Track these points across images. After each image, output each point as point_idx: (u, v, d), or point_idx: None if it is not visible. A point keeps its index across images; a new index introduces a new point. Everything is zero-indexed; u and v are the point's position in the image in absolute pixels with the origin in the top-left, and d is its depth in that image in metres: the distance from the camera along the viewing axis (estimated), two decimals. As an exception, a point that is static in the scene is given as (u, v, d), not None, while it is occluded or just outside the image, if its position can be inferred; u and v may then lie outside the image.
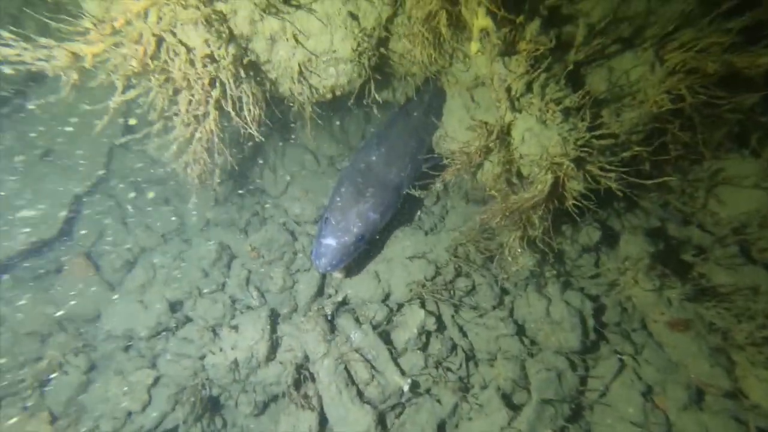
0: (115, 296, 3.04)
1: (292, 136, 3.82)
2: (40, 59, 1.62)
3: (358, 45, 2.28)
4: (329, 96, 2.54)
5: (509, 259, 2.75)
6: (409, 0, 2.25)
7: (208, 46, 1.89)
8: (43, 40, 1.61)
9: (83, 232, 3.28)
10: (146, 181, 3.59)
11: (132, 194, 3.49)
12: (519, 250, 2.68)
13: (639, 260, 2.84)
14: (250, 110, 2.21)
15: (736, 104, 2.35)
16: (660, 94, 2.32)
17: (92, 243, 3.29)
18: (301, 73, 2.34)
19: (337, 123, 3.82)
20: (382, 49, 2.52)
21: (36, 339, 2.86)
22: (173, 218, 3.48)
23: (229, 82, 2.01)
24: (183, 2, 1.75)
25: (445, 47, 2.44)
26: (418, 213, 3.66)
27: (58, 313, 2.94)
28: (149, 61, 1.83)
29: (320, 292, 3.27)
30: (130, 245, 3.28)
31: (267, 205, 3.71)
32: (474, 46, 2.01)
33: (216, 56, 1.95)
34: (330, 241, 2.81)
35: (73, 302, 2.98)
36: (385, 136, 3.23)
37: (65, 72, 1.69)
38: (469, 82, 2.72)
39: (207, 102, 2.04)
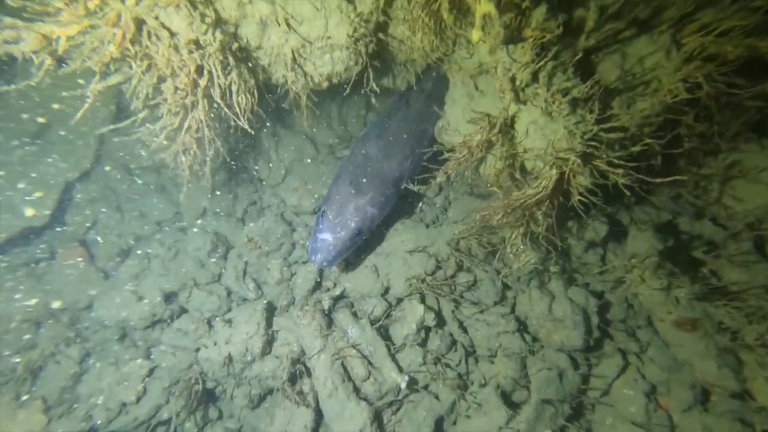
0: (110, 285, 3.00)
1: (289, 124, 3.71)
2: (6, 41, 1.51)
3: (355, 30, 2.15)
4: (325, 84, 2.43)
5: (511, 256, 2.66)
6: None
7: (193, 30, 1.79)
8: (9, 20, 1.51)
9: (77, 219, 3.23)
10: (141, 167, 3.51)
11: (126, 181, 3.42)
12: (521, 247, 2.58)
13: (647, 258, 2.73)
14: (241, 100, 2.11)
15: (757, 92, 2.19)
16: (675, 83, 2.17)
17: (86, 230, 3.24)
18: (294, 60, 2.23)
19: (336, 110, 3.69)
20: (380, 35, 2.38)
21: (29, 327, 2.85)
22: (169, 206, 3.42)
23: (216, 70, 1.91)
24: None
25: (447, 33, 2.30)
26: (420, 204, 3.56)
27: (52, 302, 2.92)
28: (129, 46, 1.72)
29: (318, 285, 3.21)
30: (124, 233, 3.23)
31: (264, 195, 3.64)
32: (475, 35, 1.87)
33: (202, 42, 1.84)
34: (326, 236, 2.74)
35: (66, 290, 2.96)
36: (385, 127, 3.11)
37: (37, 56, 1.60)
38: (473, 69, 2.58)
39: (194, 91, 1.95)
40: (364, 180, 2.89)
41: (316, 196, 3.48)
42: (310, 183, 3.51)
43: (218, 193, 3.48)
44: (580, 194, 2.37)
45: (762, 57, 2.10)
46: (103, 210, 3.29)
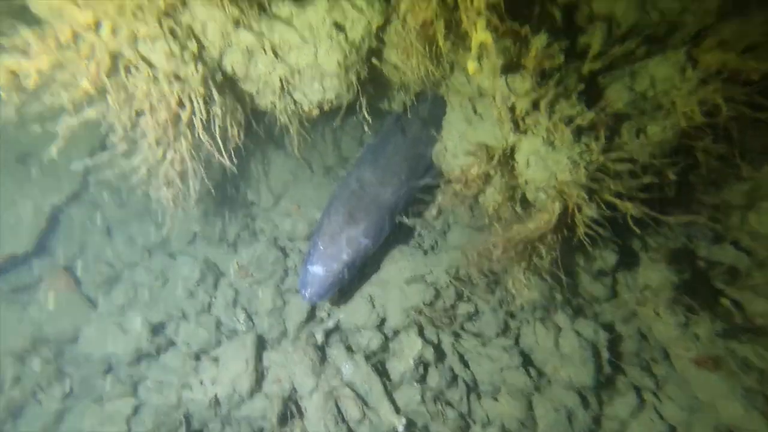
0: (95, 316, 2.90)
1: (282, 144, 3.61)
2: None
3: (345, 58, 2.05)
4: (316, 112, 2.33)
5: (513, 291, 2.50)
6: (403, 5, 2.01)
7: (173, 62, 1.70)
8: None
9: (64, 244, 3.14)
10: (130, 189, 3.42)
11: (115, 203, 3.33)
12: (524, 282, 2.42)
13: (660, 291, 2.53)
14: (226, 131, 2.02)
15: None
16: (691, 106, 2.01)
17: (73, 256, 3.16)
18: (283, 88, 2.13)
19: (331, 133, 3.59)
20: (374, 59, 2.28)
21: (12, 363, 2.75)
22: (158, 231, 3.32)
23: (199, 103, 1.82)
24: (141, 15, 1.55)
25: (444, 59, 2.19)
26: (418, 228, 3.42)
27: (35, 333, 2.82)
28: (105, 80, 1.64)
29: (311, 315, 3.08)
30: (112, 260, 3.14)
31: (257, 219, 3.53)
32: (471, 65, 1.75)
33: (182, 75, 1.75)
34: (317, 269, 2.62)
35: (51, 321, 2.86)
36: (381, 151, 3.00)
37: (5, 92, 1.51)
38: (471, 92, 2.47)
39: (176, 124, 1.86)
40: (358, 209, 2.77)
41: (310, 220, 3.37)
42: (304, 207, 3.40)
43: (209, 217, 3.38)
44: (587, 226, 2.22)
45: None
46: (91, 235, 3.21)
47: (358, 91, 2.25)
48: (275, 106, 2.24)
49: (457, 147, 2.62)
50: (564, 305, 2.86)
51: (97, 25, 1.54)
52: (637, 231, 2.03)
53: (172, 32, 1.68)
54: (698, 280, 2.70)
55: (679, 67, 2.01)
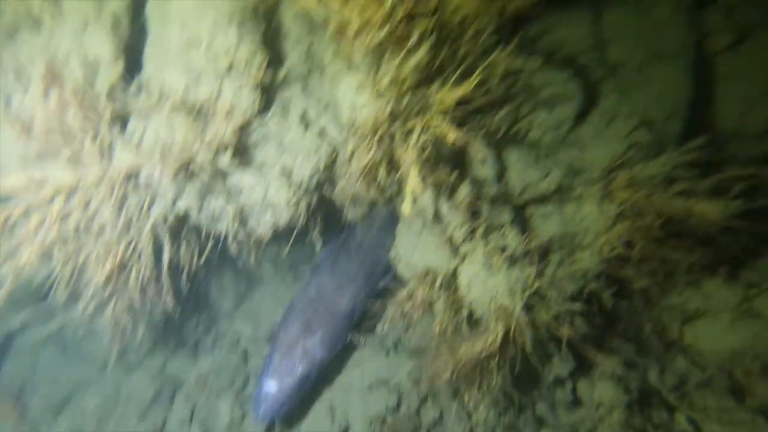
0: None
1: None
2: None
3: (294, 194, 2.20)
4: (269, 235, 2.43)
5: (470, 408, 2.48)
6: (349, 148, 2.21)
7: (123, 218, 1.80)
8: None
9: (14, 369, 3.00)
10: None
11: (77, 316, 3.26)
12: (478, 398, 2.42)
13: (613, 409, 2.53)
14: (177, 265, 2.08)
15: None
16: (611, 238, 2.19)
17: (23, 381, 3.00)
18: (235, 219, 2.25)
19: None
20: (324, 188, 2.45)
21: None
22: (116, 341, 3.21)
23: (147, 249, 1.90)
24: (94, 190, 1.66)
25: (388, 190, 2.37)
26: (380, 324, 3.42)
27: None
28: (50, 246, 1.71)
29: (270, 427, 2.95)
30: (63, 382, 2.99)
31: (218, 322, 3.49)
32: (406, 207, 1.92)
33: (132, 226, 1.85)
34: (270, 386, 2.57)
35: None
36: (338, 258, 3.08)
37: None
38: (417, 211, 2.63)
39: (123, 270, 1.92)
40: (315, 317, 2.79)
41: (273, 322, 3.35)
42: (265, 309, 3.40)
43: (168, 325, 3.32)
44: (533, 344, 2.28)
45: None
46: (44, 354, 3.08)
47: (309, 216, 2.38)
48: (228, 233, 2.34)
49: (410, 257, 2.74)
50: (526, 414, 2.82)
51: (51, 200, 1.65)
52: (569, 356, 2.09)
53: (125, 196, 1.80)
54: (652, 394, 2.68)
55: (596, 201, 2.22)
